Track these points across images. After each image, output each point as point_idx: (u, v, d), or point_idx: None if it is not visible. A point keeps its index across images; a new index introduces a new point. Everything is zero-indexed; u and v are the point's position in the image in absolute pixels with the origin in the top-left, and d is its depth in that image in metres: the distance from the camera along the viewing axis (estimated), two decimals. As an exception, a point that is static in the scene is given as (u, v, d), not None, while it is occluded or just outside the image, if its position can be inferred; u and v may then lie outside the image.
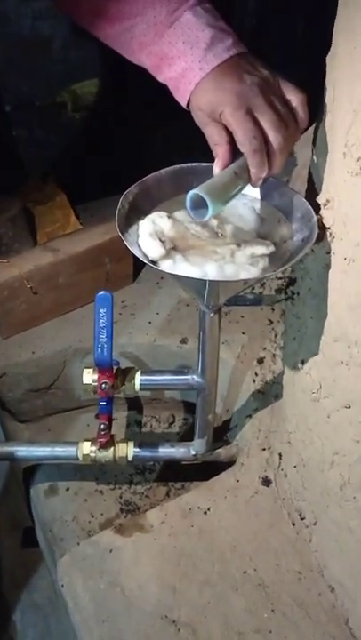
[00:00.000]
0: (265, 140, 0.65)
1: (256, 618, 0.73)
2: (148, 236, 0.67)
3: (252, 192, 0.73)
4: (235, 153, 0.67)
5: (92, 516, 0.97)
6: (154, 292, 1.13)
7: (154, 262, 0.65)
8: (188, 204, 0.64)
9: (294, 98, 0.70)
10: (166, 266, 0.65)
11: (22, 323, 1.02)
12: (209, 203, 0.62)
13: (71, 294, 1.04)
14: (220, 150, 0.68)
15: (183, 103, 0.72)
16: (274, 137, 0.66)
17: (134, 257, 1.09)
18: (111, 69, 1.85)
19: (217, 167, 0.68)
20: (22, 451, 0.93)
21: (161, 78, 0.73)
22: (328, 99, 0.66)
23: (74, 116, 2.04)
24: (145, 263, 0.66)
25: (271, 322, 1.07)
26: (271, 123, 0.65)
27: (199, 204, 0.64)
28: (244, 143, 0.65)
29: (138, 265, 1.11)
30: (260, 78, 0.68)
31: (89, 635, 0.72)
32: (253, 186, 0.68)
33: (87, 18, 0.74)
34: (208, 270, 0.64)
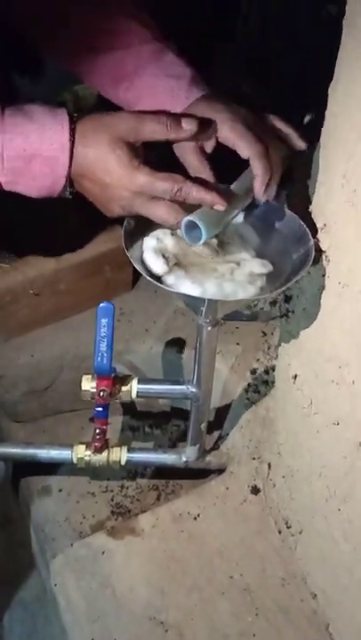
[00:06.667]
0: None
1: (241, 621, 0.76)
2: (153, 252, 0.70)
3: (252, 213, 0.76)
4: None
5: (84, 518, 0.99)
6: (152, 299, 1.15)
7: (156, 277, 0.68)
8: (183, 228, 0.67)
9: (284, 126, 0.73)
10: (168, 282, 0.68)
11: (22, 326, 1.04)
12: (203, 230, 0.65)
13: (71, 300, 1.06)
14: (206, 176, 0.69)
15: None
16: (273, 151, 0.68)
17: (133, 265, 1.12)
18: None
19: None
20: (18, 452, 0.96)
21: (139, 108, 0.73)
22: (329, 127, 0.69)
23: (75, 116, 2.06)
24: (145, 272, 0.69)
25: (265, 334, 1.10)
26: (270, 137, 0.68)
27: (194, 228, 0.67)
28: (250, 147, 0.66)
29: (137, 273, 1.14)
30: (245, 108, 0.70)
31: (80, 633, 0.75)
32: (259, 199, 0.70)
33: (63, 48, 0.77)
34: (208, 288, 0.67)
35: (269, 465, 0.89)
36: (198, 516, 0.87)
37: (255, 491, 0.90)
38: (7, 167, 0.64)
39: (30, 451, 0.96)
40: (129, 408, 1.16)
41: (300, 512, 0.81)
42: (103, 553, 0.82)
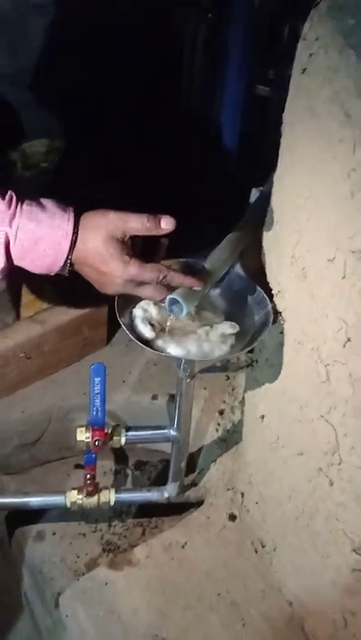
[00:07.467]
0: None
1: (231, 632, 0.89)
2: (141, 321, 0.84)
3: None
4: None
5: (78, 557, 1.09)
6: (125, 353, 1.29)
7: (145, 341, 0.82)
8: (167, 303, 0.81)
9: None
10: (156, 344, 0.82)
11: (12, 386, 1.15)
12: (184, 305, 0.79)
13: (55, 359, 1.18)
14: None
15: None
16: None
17: (108, 324, 1.26)
18: (58, 130, 2.03)
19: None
20: (14, 501, 1.06)
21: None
22: (277, 210, 0.84)
23: (23, 174, 2.19)
24: (117, 328, 0.82)
25: (228, 377, 1.25)
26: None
27: (176, 302, 0.81)
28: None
29: (111, 330, 1.27)
30: None
31: (92, 656, 0.85)
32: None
33: None
34: (190, 348, 0.82)
35: (242, 493, 1.03)
36: (186, 544, 0.99)
37: (232, 517, 1.03)
38: (18, 245, 0.77)
39: (25, 499, 1.05)
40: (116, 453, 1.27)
41: (273, 532, 0.95)
42: (106, 584, 0.93)
